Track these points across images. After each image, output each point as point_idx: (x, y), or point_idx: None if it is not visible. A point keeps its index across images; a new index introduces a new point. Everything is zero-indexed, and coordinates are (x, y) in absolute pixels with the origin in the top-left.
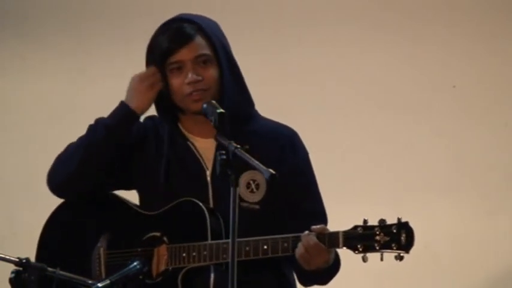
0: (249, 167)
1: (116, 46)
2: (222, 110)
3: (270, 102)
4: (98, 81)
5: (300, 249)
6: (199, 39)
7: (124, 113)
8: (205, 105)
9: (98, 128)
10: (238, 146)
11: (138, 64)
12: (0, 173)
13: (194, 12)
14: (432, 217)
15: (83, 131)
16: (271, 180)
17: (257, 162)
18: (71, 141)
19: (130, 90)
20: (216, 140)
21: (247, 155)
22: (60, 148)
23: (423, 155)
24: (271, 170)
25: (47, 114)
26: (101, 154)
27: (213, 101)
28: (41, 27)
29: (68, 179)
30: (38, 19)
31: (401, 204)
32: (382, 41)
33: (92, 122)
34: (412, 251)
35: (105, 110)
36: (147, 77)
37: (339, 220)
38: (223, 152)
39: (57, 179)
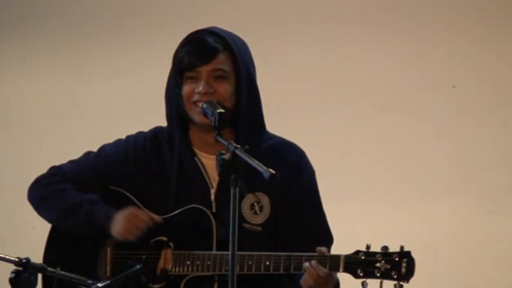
0: (249, 167)
1: (116, 46)
2: (221, 110)
3: (270, 101)
4: (98, 81)
5: (308, 281)
6: (221, 55)
7: (100, 226)
8: (205, 105)
9: (77, 214)
10: (238, 146)
11: (138, 64)
12: (0, 173)
13: (193, 13)
14: (432, 217)
15: (82, 131)
16: (271, 180)
17: (257, 162)
18: (70, 142)
19: (124, 225)
20: (216, 140)
21: (247, 154)
22: (60, 148)
23: (423, 155)
24: (271, 170)
25: (47, 114)
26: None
27: (214, 101)
28: (41, 27)
29: (39, 214)
30: (38, 19)
31: (401, 204)
32: (382, 41)
33: (91, 122)
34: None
35: (105, 110)
36: (140, 225)
37: (339, 220)
38: (223, 152)
39: (33, 206)
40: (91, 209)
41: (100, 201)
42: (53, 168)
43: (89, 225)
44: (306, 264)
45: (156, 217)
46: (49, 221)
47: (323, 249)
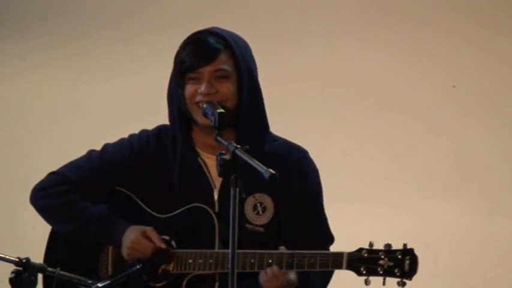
0: (249, 167)
1: (116, 46)
2: (222, 110)
3: (270, 102)
4: (98, 81)
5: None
6: (222, 55)
7: (108, 237)
8: (205, 105)
9: (89, 226)
10: (238, 146)
11: (138, 64)
12: (0, 173)
13: (193, 13)
14: (432, 217)
15: (82, 131)
16: (271, 181)
17: (257, 162)
18: (70, 142)
19: (128, 253)
20: (216, 140)
21: (247, 155)
22: (60, 148)
23: (423, 155)
24: (271, 170)
25: (47, 114)
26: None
27: (214, 101)
28: (41, 27)
29: (41, 214)
30: (38, 19)
31: (401, 204)
32: (382, 41)
33: (91, 122)
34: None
35: (105, 110)
36: (145, 252)
37: (339, 220)
38: (224, 152)
39: (40, 215)
40: (99, 228)
41: (107, 217)
42: (54, 174)
43: (100, 242)
44: (275, 267)
45: (162, 245)
46: (58, 231)
47: (283, 247)
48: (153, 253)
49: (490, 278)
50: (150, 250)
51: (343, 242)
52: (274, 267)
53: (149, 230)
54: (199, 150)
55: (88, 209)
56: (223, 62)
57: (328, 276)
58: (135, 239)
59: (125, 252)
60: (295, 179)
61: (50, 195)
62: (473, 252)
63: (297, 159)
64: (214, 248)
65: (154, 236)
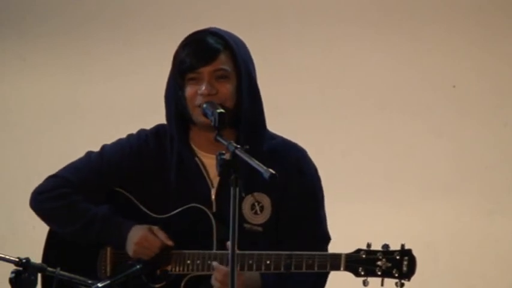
0: (249, 167)
1: (116, 46)
2: (221, 110)
3: (270, 102)
4: (98, 81)
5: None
6: (222, 55)
7: (111, 237)
8: (205, 105)
9: (92, 226)
10: (238, 146)
11: (138, 64)
12: (0, 173)
13: (193, 13)
14: (432, 217)
15: (82, 131)
16: (271, 180)
17: (257, 162)
18: (70, 142)
19: (136, 250)
20: (216, 140)
21: (247, 154)
22: (60, 148)
23: (423, 155)
24: (270, 170)
25: (47, 114)
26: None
27: (214, 101)
28: (41, 27)
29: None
30: (38, 19)
31: (401, 204)
32: (382, 41)
33: (91, 122)
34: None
35: (105, 110)
36: (153, 249)
37: (339, 220)
38: (223, 152)
39: (42, 218)
40: (103, 228)
41: (112, 216)
42: (54, 177)
43: (102, 243)
44: (214, 263)
45: (169, 242)
46: (60, 234)
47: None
48: (160, 250)
49: (490, 278)
50: (157, 247)
51: (343, 242)
52: (214, 264)
53: (156, 228)
54: (196, 150)
55: (91, 210)
56: (223, 62)
57: (323, 279)
58: (144, 234)
59: (131, 249)
60: (293, 178)
61: (50, 198)
62: (473, 252)
63: (296, 158)
64: (212, 248)
65: (162, 234)
